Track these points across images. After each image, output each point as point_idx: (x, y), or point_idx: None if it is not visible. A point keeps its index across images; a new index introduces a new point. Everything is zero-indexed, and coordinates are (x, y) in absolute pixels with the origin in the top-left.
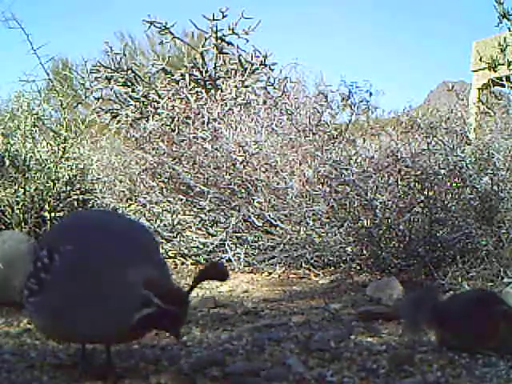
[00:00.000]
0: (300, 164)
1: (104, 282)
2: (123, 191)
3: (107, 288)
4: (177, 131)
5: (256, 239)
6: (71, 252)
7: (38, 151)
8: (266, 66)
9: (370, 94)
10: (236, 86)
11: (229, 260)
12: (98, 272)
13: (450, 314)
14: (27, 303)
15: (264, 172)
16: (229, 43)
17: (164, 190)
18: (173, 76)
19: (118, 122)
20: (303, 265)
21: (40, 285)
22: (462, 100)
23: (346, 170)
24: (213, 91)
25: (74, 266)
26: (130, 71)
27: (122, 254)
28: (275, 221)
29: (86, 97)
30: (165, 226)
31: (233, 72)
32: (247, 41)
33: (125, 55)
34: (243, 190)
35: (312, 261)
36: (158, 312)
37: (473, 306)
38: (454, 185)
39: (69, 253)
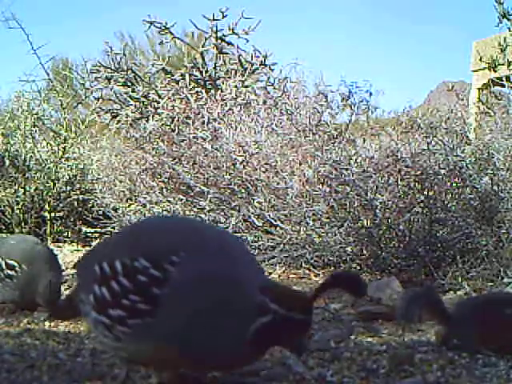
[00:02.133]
0: (300, 164)
1: (228, 295)
2: (123, 191)
3: (229, 303)
4: (177, 131)
5: (256, 239)
6: (191, 261)
7: (38, 151)
8: (265, 66)
9: (370, 94)
10: (236, 86)
11: None
12: (226, 284)
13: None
14: (123, 326)
15: (264, 172)
16: (229, 43)
17: (164, 189)
18: (173, 76)
19: (118, 122)
20: (303, 265)
21: (152, 303)
22: (462, 100)
23: (346, 170)
24: (213, 91)
25: (199, 277)
26: (130, 71)
27: (239, 260)
28: (275, 221)
29: (86, 97)
30: None
31: (233, 72)
32: (247, 41)
33: (125, 55)
34: (243, 190)
35: (312, 261)
36: (276, 321)
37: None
38: (454, 185)
39: (189, 262)
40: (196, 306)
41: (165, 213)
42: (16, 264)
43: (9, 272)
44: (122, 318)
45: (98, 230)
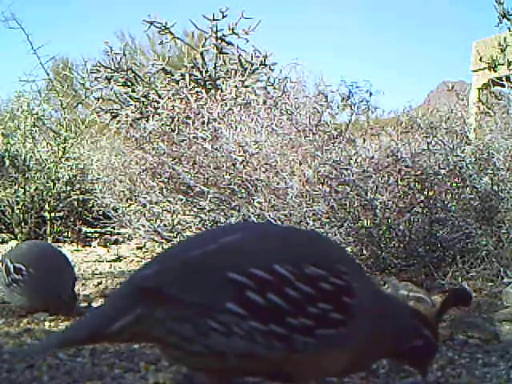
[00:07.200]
0: (300, 164)
1: (393, 310)
2: (123, 191)
3: (394, 318)
4: (177, 131)
5: None
6: (352, 272)
7: (38, 151)
8: (265, 66)
9: (370, 94)
10: (236, 86)
11: None
12: (390, 299)
13: None
14: (307, 336)
15: (264, 172)
16: (229, 43)
17: (164, 189)
18: (173, 76)
19: (118, 122)
20: None
21: (345, 312)
22: (462, 100)
23: (346, 170)
24: (213, 91)
25: (367, 288)
26: (130, 71)
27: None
28: (275, 221)
29: (86, 97)
30: (165, 225)
31: (233, 72)
32: (247, 41)
33: (125, 55)
34: (243, 190)
35: None
36: (424, 346)
37: None
38: (454, 185)
39: (351, 273)
40: (373, 315)
41: (165, 213)
42: (23, 267)
43: (16, 276)
44: (309, 328)
45: (98, 229)
